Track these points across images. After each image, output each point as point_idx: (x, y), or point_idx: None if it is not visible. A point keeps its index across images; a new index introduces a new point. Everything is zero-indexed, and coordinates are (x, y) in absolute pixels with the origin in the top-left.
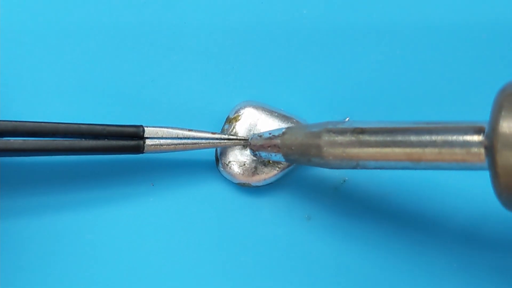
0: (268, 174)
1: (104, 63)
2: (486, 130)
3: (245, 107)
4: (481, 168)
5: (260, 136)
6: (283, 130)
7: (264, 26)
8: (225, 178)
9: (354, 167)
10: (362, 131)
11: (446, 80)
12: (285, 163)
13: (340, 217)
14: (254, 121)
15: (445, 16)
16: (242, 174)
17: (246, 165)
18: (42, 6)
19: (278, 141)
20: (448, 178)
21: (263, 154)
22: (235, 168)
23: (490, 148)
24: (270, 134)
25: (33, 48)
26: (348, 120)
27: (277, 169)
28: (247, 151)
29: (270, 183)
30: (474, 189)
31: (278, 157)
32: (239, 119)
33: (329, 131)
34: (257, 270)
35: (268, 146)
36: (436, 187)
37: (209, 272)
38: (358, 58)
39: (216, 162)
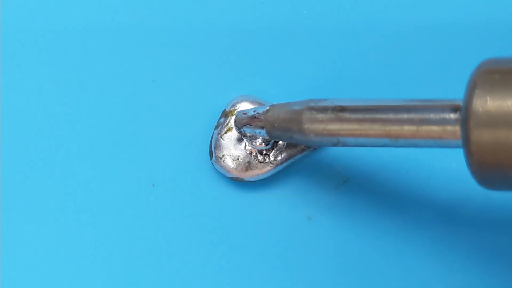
0: (262, 170)
1: (103, 61)
2: (461, 108)
3: (241, 101)
4: (457, 146)
5: (245, 113)
6: (267, 107)
7: (261, 23)
8: (218, 172)
9: (335, 144)
10: (342, 109)
11: (430, 60)
12: (278, 160)
13: (341, 217)
14: None
15: (440, 14)
16: (235, 169)
17: (239, 159)
18: (42, 6)
19: (262, 118)
20: (449, 177)
21: (248, 130)
22: (229, 162)
23: (464, 126)
24: (254, 111)
25: (34, 48)
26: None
27: (271, 165)
28: (242, 145)
29: (263, 179)
30: (475, 188)
31: (262, 133)
32: (235, 113)
33: (311, 108)
34: (257, 270)
35: (253, 123)
36: (436, 187)
37: (210, 270)
38: (354, 57)
39: (210, 155)
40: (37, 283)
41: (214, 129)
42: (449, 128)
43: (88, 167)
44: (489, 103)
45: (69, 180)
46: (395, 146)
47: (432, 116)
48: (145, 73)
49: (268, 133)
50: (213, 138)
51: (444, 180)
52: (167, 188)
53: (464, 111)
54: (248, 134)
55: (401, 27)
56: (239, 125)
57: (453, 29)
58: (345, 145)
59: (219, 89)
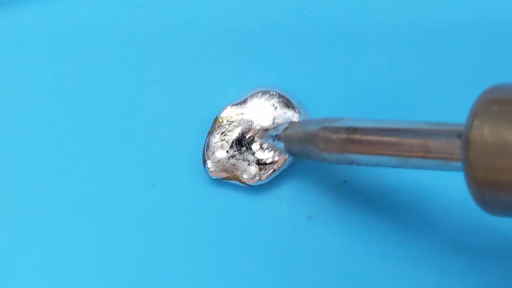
0: (253, 180)
1: (103, 62)
2: (463, 136)
3: (231, 106)
4: (462, 170)
5: (266, 129)
6: (286, 125)
7: (257, 28)
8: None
9: (350, 163)
10: (354, 130)
11: (447, 78)
12: (271, 166)
13: (341, 217)
14: None
15: (447, 16)
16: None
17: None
18: (42, 6)
19: (282, 135)
20: (449, 178)
21: (270, 142)
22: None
23: (464, 154)
24: (275, 128)
25: (34, 49)
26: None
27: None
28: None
29: (260, 185)
30: None
31: (282, 147)
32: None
33: (325, 129)
34: (258, 270)
35: (273, 139)
36: (436, 188)
37: (211, 272)
38: (355, 57)
39: (203, 162)
40: (37, 283)
41: (207, 136)
42: (455, 152)
43: (82, 167)
44: (486, 134)
45: (67, 180)
46: (405, 167)
47: (439, 140)
48: (143, 74)
49: (286, 149)
50: (205, 145)
51: (445, 180)
52: (174, 194)
53: (464, 139)
54: (268, 146)
55: (400, 26)
56: (261, 140)
57: (465, 30)
58: (359, 164)
59: (211, 96)
